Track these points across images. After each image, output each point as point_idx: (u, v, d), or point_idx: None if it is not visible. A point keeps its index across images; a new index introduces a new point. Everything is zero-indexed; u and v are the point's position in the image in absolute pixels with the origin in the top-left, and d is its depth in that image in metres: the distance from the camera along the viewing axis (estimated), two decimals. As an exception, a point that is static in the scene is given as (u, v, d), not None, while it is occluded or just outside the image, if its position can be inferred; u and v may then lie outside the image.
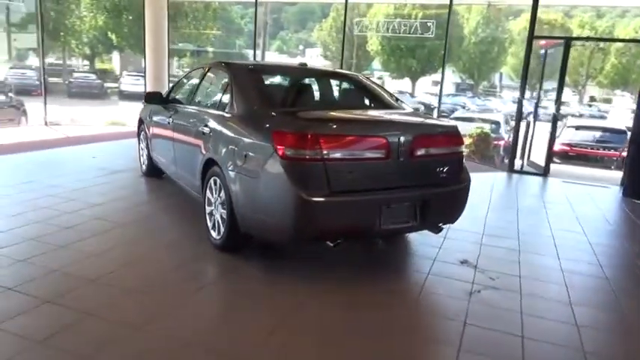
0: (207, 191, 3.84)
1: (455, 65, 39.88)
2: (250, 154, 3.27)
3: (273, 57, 54.81)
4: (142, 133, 5.89)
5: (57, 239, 3.71)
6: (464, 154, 3.75)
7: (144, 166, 5.94)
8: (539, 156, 8.40)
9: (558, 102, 7.70)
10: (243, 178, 3.31)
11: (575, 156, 10.85)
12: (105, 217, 4.29)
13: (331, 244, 3.17)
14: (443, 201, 3.53)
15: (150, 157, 5.67)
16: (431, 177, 3.47)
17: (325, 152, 3.02)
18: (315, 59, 49.57)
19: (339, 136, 3.11)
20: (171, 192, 5.17)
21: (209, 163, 3.80)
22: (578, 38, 9.29)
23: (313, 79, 4.36)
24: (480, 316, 3.02)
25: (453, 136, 3.62)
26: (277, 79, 4.49)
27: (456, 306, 3.17)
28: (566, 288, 3.52)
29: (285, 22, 69.13)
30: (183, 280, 3.19)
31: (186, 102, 4.69)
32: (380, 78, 49.66)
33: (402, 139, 3.26)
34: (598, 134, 11.53)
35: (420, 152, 3.36)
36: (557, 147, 10.99)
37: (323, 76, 4.52)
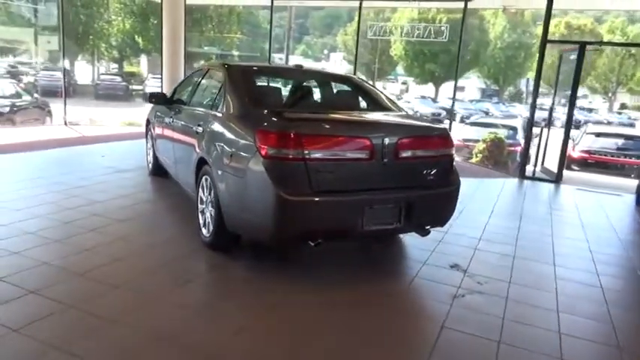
0: (200, 190, 3.90)
1: (480, 71, 39.39)
2: (236, 153, 3.32)
3: (297, 61, 54.98)
4: (149, 133, 6.03)
5: (54, 234, 3.82)
6: (454, 157, 3.71)
7: (150, 166, 6.07)
8: (553, 162, 8.22)
9: (571, 108, 7.52)
10: (228, 177, 3.36)
11: (594, 163, 10.56)
12: (103, 214, 4.40)
13: (312, 244, 3.18)
14: (429, 203, 3.50)
15: (155, 157, 5.79)
16: (417, 179, 3.45)
17: (307, 152, 3.04)
18: (338, 64, 49.73)
19: (321, 137, 3.13)
20: (173, 191, 5.26)
21: (201, 162, 3.87)
22: (592, 42, 9.08)
23: (306, 80, 4.39)
24: (460, 320, 2.98)
25: (441, 138, 3.59)
26: (271, 81, 4.53)
27: (437, 309, 3.14)
28: (556, 295, 3.44)
29: (311, 27, 69.56)
30: (167, 277, 3.25)
31: (187, 102, 4.77)
32: (404, 83, 49.53)
33: (387, 140, 3.25)
34: (620, 141, 11.21)
35: (406, 154, 3.35)
36: (575, 154, 10.78)
37: (317, 77, 4.54)
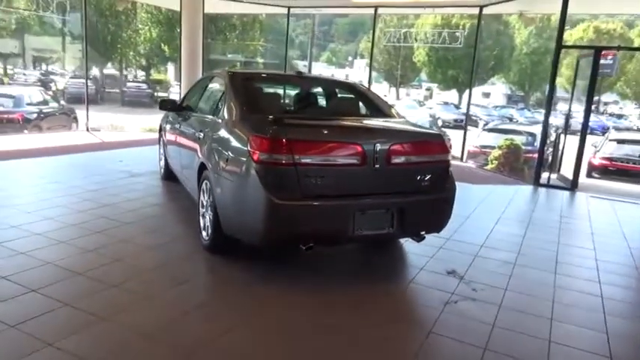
0: (201, 194, 4.00)
1: (505, 76, 38.87)
2: (231, 157, 3.41)
3: (320, 68, 55.49)
4: (161, 139, 6.19)
5: (60, 235, 3.97)
6: (449, 163, 3.71)
7: (162, 171, 6.23)
8: (570, 169, 8.06)
9: (587, 114, 7.38)
10: (224, 181, 3.45)
11: (615, 171, 10.30)
12: (111, 217, 4.54)
13: (304, 248, 3.23)
14: (422, 209, 3.51)
15: (166, 162, 5.94)
16: (410, 184, 3.46)
17: (298, 157, 3.09)
18: (362, 70, 49.77)
19: (312, 142, 3.18)
20: (180, 195, 5.38)
21: (202, 167, 3.96)
22: (607, 47, 8.91)
23: (306, 87, 4.45)
24: (448, 326, 2.98)
25: (436, 144, 3.60)
26: (272, 87, 4.60)
27: (427, 315, 3.15)
28: (552, 303, 3.40)
29: (336, 34, 69.86)
30: (163, 277, 3.35)
31: (194, 109, 4.90)
32: (428, 89, 49.22)
33: (379, 146, 3.28)
34: (644, 148, 10.90)
35: (398, 160, 3.37)
36: (596, 161, 10.54)
37: (316, 84, 4.60)
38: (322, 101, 4.48)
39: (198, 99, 4.86)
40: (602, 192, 7.73)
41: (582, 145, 7.44)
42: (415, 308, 3.30)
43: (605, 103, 46.51)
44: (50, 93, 17.02)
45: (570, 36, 34.80)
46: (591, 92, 7.27)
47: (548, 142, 9.35)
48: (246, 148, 3.23)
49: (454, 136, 11.12)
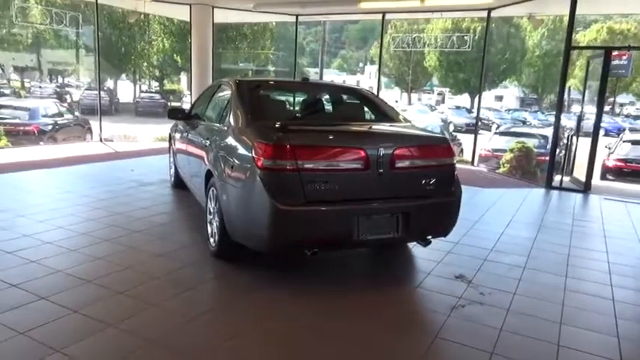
0: (208, 201, 4.03)
1: (517, 79, 38.59)
2: (236, 164, 3.44)
3: (332, 75, 55.65)
4: (171, 147, 6.26)
5: (70, 243, 4.04)
6: (455, 166, 3.69)
7: (172, 179, 6.30)
8: (583, 172, 7.95)
9: (599, 115, 7.29)
10: (229, 187, 3.47)
11: (630, 172, 10.13)
12: (121, 225, 4.60)
13: (308, 253, 3.23)
14: (427, 213, 3.49)
15: (176, 170, 6.00)
16: (414, 188, 3.45)
17: (301, 163, 3.11)
18: (373, 76, 49.79)
19: (315, 148, 3.19)
20: (190, 203, 5.43)
21: (209, 174, 4.00)
22: (617, 47, 8.84)
23: (312, 93, 4.47)
24: (455, 330, 2.96)
25: (440, 148, 3.59)
26: (278, 94, 4.63)
27: (434, 319, 3.13)
28: (562, 307, 3.35)
29: (347, 41, 70.09)
30: (169, 284, 3.37)
31: (201, 117, 4.95)
32: (440, 94, 49.06)
33: (382, 150, 3.28)
34: (659, 149, 10.71)
35: (402, 164, 3.36)
36: (610, 163, 10.39)
37: (322, 90, 4.62)
38: (327, 107, 4.49)
39: (206, 107, 4.92)
40: (616, 194, 7.61)
41: (594, 146, 7.34)
42: (421, 313, 3.28)
43: (621, 104, 45.86)
44: (65, 105, 17.31)
45: (584, 37, 34.50)
46: (602, 93, 7.18)
47: (561, 144, 9.26)
48: (250, 155, 3.25)
49: (466, 140, 11.07)
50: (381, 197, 3.32)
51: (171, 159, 6.34)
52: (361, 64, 61.89)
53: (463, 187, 3.93)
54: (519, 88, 42.22)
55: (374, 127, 3.90)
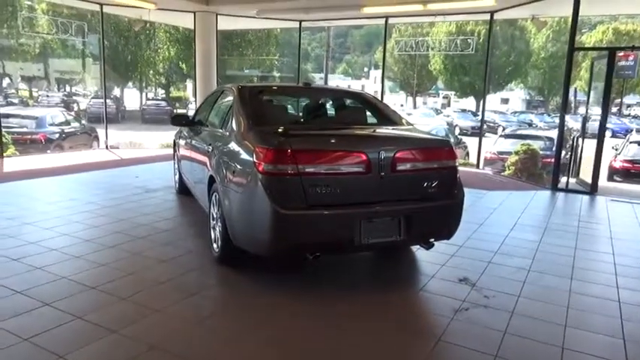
0: (211, 206, 4.05)
1: (523, 82, 38.46)
2: (238, 169, 3.45)
3: (337, 80, 55.73)
4: (175, 153, 6.29)
5: (75, 250, 4.06)
6: (457, 169, 3.68)
7: (177, 185, 6.32)
8: (589, 173, 7.90)
9: (604, 116, 7.24)
10: (231, 192, 3.48)
11: (637, 173, 10.05)
12: (125, 232, 4.62)
13: (310, 257, 3.23)
14: (430, 216, 3.48)
15: (181, 176, 6.03)
16: (417, 191, 3.44)
17: (302, 167, 3.12)
18: (378, 81, 49.81)
19: (316, 152, 3.20)
20: (194, 209, 5.45)
21: (212, 180, 4.01)
22: (621, 48, 8.77)
23: (314, 97, 4.48)
24: (458, 333, 2.94)
25: (442, 150, 3.58)
26: (280, 99, 4.64)
27: (437, 322, 3.11)
28: (567, 309, 3.32)
29: (351, 46, 70.25)
30: (172, 290, 3.38)
31: (204, 123, 4.97)
32: (446, 97, 48.99)
33: (383, 154, 3.28)
34: (667, 150, 10.62)
35: (404, 167, 3.36)
36: (617, 164, 10.32)
37: (324, 94, 4.63)
38: (329, 111, 4.49)
39: (209, 113, 4.94)
40: (623, 195, 7.55)
41: (600, 147, 7.29)
42: (424, 316, 3.26)
43: (628, 105, 45.52)
44: (72, 113, 17.46)
45: (589, 38, 34.34)
46: (607, 94, 7.14)
47: (567, 146, 9.22)
48: (251, 160, 3.26)
49: (472, 144, 11.02)
50: (382, 200, 3.32)
51: (176, 165, 6.37)
52: (366, 69, 61.97)
53: (468, 190, 3.92)
54: (525, 90, 42.07)
55: (375, 130, 3.90)
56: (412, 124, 4.30)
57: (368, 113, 4.44)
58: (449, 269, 3.99)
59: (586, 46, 28.89)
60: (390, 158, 3.29)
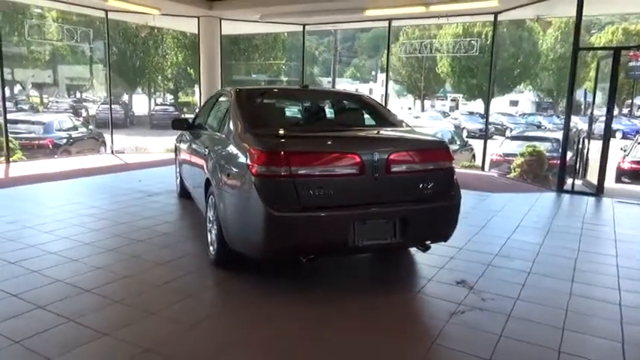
0: (208, 209, 4.05)
1: (532, 84, 38.19)
2: (232, 171, 3.44)
3: (344, 84, 55.76)
4: (176, 157, 6.31)
5: (73, 253, 4.07)
6: (453, 170, 3.64)
7: (178, 189, 6.34)
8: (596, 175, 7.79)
9: (609, 117, 7.15)
10: (226, 195, 3.48)
11: (647, 175, 9.90)
12: (124, 235, 4.63)
13: (304, 260, 3.22)
14: (426, 218, 3.44)
15: (182, 180, 6.04)
16: (412, 193, 3.41)
17: (294, 169, 3.10)
18: (384, 84, 49.75)
19: (309, 154, 3.19)
20: (194, 213, 5.45)
21: (208, 183, 4.01)
22: (626, 47, 8.67)
23: (311, 99, 4.47)
24: (453, 337, 2.90)
25: (438, 152, 3.55)
26: (276, 102, 4.63)
27: (432, 325, 3.08)
28: (566, 312, 3.26)
29: (359, 49, 70.24)
30: (168, 293, 3.38)
31: (203, 126, 4.98)
32: (454, 100, 48.80)
33: (377, 155, 3.25)
34: (677, 151, 10.45)
35: (398, 168, 3.33)
36: (626, 165, 10.18)
37: (321, 96, 4.62)
38: (326, 113, 4.47)
39: (207, 116, 4.95)
40: (630, 196, 7.43)
41: (606, 148, 7.19)
42: (420, 319, 3.23)
43: (640, 107, 44.98)
44: (80, 119, 17.63)
45: (599, 39, 34.00)
46: (613, 94, 7.04)
47: (576, 147, 9.10)
48: (245, 162, 3.26)
49: (480, 146, 10.93)
50: (377, 202, 3.29)
51: (177, 169, 6.39)
52: (373, 72, 61.93)
53: (471, 192, 3.89)
54: (534, 92, 41.77)
55: (370, 132, 3.88)
56: (410, 126, 4.27)
57: (366, 115, 4.42)
58: (447, 272, 3.94)
59: (596, 46, 28.57)
60: (384, 160, 3.27)
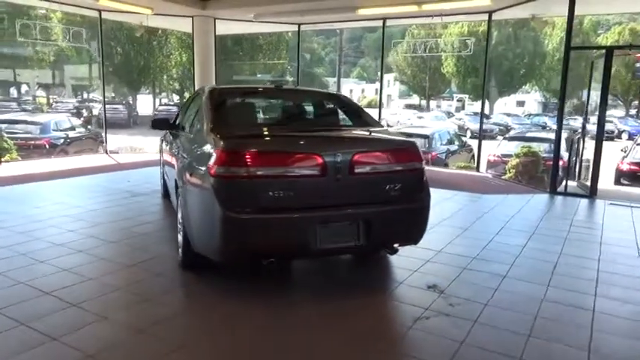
0: (178, 210, 3.99)
1: (537, 84, 37.85)
2: (195, 172, 3.38)
3: (350, 84, 55.58)
4: (161, 158, 6.27)
5: (43, 255, 4.03)
6: (423, 171, 3.55)
7: (162, 189, 6.30)
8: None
9: (601, 117, 7.01)
10: (187, 196, 3.43)
11: (645, 176, 9.73)
12: (99, 236, 4.59)
13: (264, 263, 3.15)
14: (392, 220, 3.36)
15: (164, 180, 6.00)
16: (377, 195, 3.32)
17: (253, 170, 3.03)
18: (390, 84, 49.56)
19: (268, 154, 3.12)
20: (175, 214, 5.39)
21: (177, 184, 3.96)
22: (619, 47, 8.52)
23: (283, 99, 4.40)
24: (412, 343, 2.83)
25: (406, 152, 3.45)
26: (248, 101, 4.55)
27: (394, 332, 3.00)
28: (534, 318, 3.16)
29: (365, 50, 70.02)
30: (127, 296, 3.33)
31: (180, 126, 4.92)
32: (460, 100, 48.48)
33: (340, 156, 3.17)
34: (677, 152, 10.26)
35: (362, 169, 3.25)
36: (624, 167, 10.02)
37: (296, 96, 4.54)
38: (298, 114, 4.38)
39: (184, 117, 4.89)
40: (624, 198, 7.28)
41: (599, 150, 7.05)
42: (380, 326, 3.12)
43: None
44: (82, 119, 17.69)
45: (606, 39, 33.58)
46: (605, 94, 6.90)
47: (570, 149, 8.96)
48: (204, 162, 3.19)
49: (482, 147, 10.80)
50: (340, 204, 3.21)
51: (161, 169, 6.35)
52: (379, 73, 61.72)
53: (462, 193, 3.80)
54: (540, 92, 41.39)
55: (337, 132, 3.79)
56: (386, 126, 4.18)
57: (341, 115, 4.34)
58: (420, 275, 3.85)
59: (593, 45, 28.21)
60: (347, 161, 3.19)
